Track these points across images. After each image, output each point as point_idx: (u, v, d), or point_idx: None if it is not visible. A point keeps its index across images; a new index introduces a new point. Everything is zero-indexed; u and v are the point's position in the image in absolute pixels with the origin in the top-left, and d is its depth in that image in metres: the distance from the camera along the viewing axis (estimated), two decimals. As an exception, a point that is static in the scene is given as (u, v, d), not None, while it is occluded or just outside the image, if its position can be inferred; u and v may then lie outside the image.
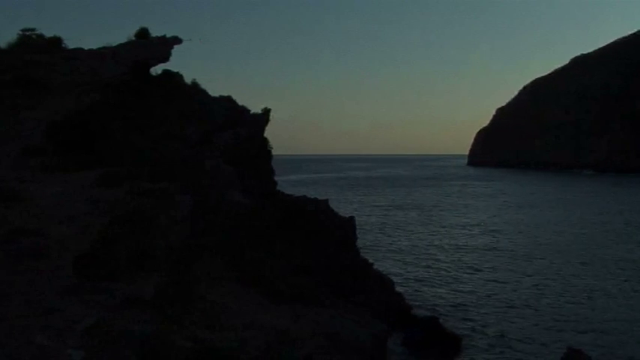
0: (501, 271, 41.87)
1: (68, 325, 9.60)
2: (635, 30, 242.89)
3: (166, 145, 21.89)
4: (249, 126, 28.32)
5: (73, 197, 15.31)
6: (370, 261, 30.53)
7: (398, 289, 31.10)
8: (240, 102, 29.60)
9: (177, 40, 27.71)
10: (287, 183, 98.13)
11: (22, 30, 28.70)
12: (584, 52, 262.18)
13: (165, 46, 27.08)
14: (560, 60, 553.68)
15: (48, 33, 29.55)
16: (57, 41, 28.87)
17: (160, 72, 26.57)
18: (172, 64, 27.26)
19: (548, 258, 46.82)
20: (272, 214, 24.50)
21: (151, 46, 27.30)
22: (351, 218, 29.14)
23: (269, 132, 31.32)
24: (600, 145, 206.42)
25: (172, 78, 26.58)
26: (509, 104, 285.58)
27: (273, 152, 30.93)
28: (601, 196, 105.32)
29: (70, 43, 29.34)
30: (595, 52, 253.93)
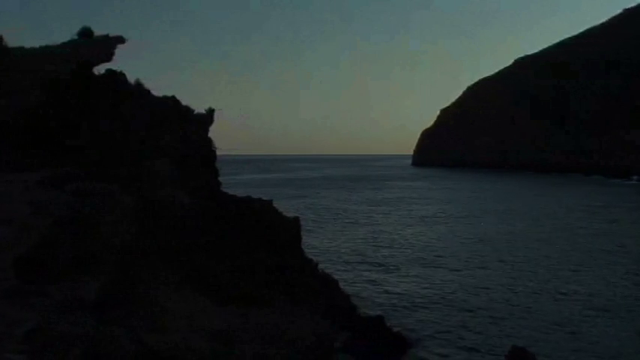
0: (446, 271, 42.35)
1: (8, 329, 9.42)
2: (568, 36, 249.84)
3: (110, 144, 21.63)
4: (194, 126, 28.13)
5: (13, 198, 15.03)
6: (315, 261, 30.56)
7: (343, 289, 31.22)
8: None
9: (120, 40, 27.36)
10: (243, 183, 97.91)
11: None
12: (528, 54, 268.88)
13: (108, 45, 26.72)
14: (504, 61, 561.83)
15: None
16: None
17: (103, 71, 26.20)
18: (116, 64, 26.91)
19: (493, 256, 47.52)
20: (217, 214, 24.35)
21: (94, 46, 26.89)
22: (296, 219, 29.14)
23: (218, 132, 31.24)
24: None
25: (116, 77, 26.24)
26: (452, 105, 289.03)
27: (226, 152, 30.79)
28: (548, 195, 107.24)
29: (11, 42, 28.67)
30: (538, 53, 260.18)
